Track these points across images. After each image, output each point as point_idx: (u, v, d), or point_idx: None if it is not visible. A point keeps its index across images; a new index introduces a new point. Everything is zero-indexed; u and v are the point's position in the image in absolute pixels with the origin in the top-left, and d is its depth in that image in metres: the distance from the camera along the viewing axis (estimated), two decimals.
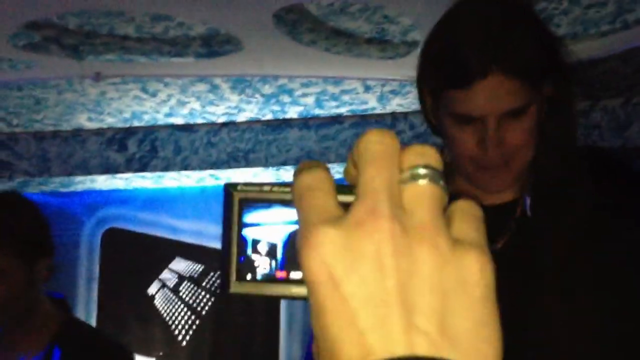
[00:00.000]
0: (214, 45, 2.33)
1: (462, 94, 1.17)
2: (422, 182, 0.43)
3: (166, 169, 3.08)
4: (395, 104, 2.87)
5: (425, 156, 0.44)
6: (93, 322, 3.40)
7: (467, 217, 0.45)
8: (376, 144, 0.44)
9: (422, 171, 0.44)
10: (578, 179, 1.24)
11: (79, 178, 3.18)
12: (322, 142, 3.00)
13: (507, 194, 1.27)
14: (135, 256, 3.43)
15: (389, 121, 2.97)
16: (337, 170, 3.09)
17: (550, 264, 1.21)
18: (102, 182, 3.23)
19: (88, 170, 3.13)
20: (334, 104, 2.85)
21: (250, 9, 2.03)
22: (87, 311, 3.42)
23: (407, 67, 2.48)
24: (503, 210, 1.26)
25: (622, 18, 2.19)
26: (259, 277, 0.51)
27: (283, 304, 3.29)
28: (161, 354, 3.35)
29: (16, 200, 1.90)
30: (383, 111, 2.93)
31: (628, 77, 2.61)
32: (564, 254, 1.21)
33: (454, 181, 1.29)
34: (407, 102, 2.84)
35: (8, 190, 1.91)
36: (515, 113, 1.17)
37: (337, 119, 2.99)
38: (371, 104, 2.86)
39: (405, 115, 2.95)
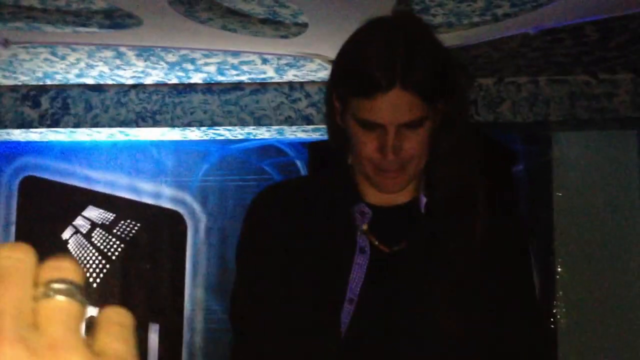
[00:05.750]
0: (116, 18, 2.27)
1: (367, 103, 1.21)
2: (57, 297, 0.39)
3: (77, 125, 3.01)
4: (292, 75, 2.86)
5: (61, 270, 0.40)
6: None
7: (112, 328, 0.41)
8: (5, 260, 0.38)
9: (57, 286, 0.39)
10: (470, 191, 1.30)
11: None
12: (224, 106, 2.98)
13: (402, 195, 1.31)
14: (50, 203, 3.38)
15: (286, 90, 2.96)
16: (239, 132, 3.08)
17: (442, 270, 1.26)
18: (18, 135, 3.14)
19: (3, 124, 3.04)
20: (234, 72, 2.82)
21: None
22: None
23: (300, 45, 2.48)
24: (403, 211, 1.31)
25: (491, 12, 2.22)
26: None
27: (188, 251, 3.31)
28: None
29: None
30: (280, 80, 2.92)
31: (498, 61, 2.66)
32: (455, 260, 1.27)
33: (355, 179, 1.32)
34: (302, 73, 2.83)
35: None
36: (412, 125, 1.22)
37: (238, 86, 2.97)
38: (269, 74, 2.84)
39: (301, 84, 2.95)
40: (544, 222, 3.03)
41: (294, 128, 2.97)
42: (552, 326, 2.95)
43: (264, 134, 3.06)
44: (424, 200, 1.30)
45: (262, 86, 2.96)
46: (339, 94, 1.27)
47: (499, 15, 2.24)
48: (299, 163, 3.18)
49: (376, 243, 1.28)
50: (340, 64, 1.28)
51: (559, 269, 3.02)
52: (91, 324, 0.41)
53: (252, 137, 3.12)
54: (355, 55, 1.24)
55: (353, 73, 1.23)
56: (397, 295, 1.26)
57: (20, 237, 3.37)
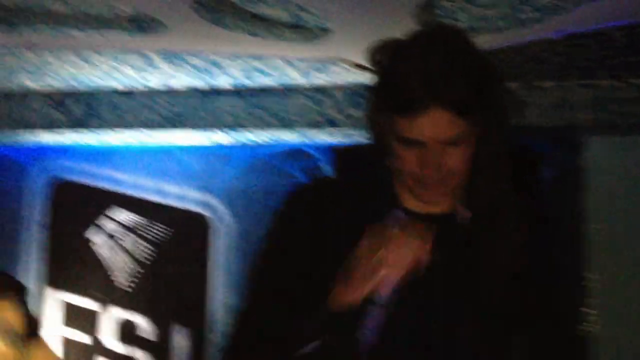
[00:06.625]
0: (142, 23, 2.32)
1: (407, 121, 1.23)
2: None
3: (105, 128, 3.08)
4: (318, 78, 2.89)
5: None
6: (40, 266, 3.42)
7: None
8: None
9: None
10: (507, 204, 1.31)
11: (24, 133, 3.17)
12: (251, 109, 3.02)
13: (440, 204, 1.33)
14: (79, 205, 3.44)
15: (313, 93, 2.99)
16: (265, 136, 3.12)
17: (476, 282, 1.28)
18: (47, 137, 3.21)
19: (33, 127, 3.12)
20: (260, 76, 2.85)
21: None
22: (35, 255, 3.44)
23: (324, 50, 2.50)
24: (440, 220, 1.32)
25: (514, 17, 2.22)
26: None
27: (214, 254, 3.34)
28: (102, 296, 3.39)
29: None
30: (306, 84, 2.95)
31: (523, 65, 2.66)
32: (489, 273, 1.29)
33: (393, 184, 1.34)
34: (328, 77, 2.86)
35: None
36: (453, 142, 1.25)
37: (264, 89, 3.00)
38: (295, 77, 2.87)
39: (327, 88, 2.97)
40: (575, 229, 3.01)
41: (320, 132, 3.00)
42: (585, 335, 2.93)
43: (290, 137, 3.09)
44: (462, 211, 1.31)
45: (288, 90, 2.99)
46: (380, 109, 1.29)
47: (522, 19, 2.24)
48: (325, 166, 3.20)
49: None
50: (380, 81, 1.30)
51: (592, 276, 3.00)
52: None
53: (279, 141, 3.15)
54: (394, 73, 1.25)
55: (393, 92, 1.24)
56: (428, 304, 1.28)
57: (50, 238, 3.43)
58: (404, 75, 1.22)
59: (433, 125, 1.21)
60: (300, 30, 2.36)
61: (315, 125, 2.96)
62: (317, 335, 1.27)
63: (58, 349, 3.37)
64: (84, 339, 3.40)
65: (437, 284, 1.28)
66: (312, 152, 3.22)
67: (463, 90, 1.21)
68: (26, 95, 3.12)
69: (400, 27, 2.16)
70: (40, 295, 3.38)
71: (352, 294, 1.22)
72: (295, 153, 3.24)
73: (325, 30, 2.35)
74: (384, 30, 2.13)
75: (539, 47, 2.45)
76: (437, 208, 1.32)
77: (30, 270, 3.39)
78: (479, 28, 2.30)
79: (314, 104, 2.98)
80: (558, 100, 2.86)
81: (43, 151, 3.41)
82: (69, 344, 3.40)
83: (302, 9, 2.18)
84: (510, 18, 2.22)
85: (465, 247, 1.30)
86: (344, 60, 2.60)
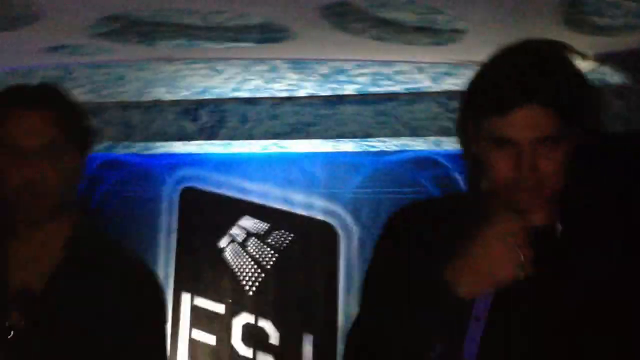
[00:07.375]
0: (271, 32, 2.30)
1: (502, 119, 1.22)
2: None
3: (233, 137, 3.10)
4: (449, 83, 2.78)
5: None
6: (171, 270, 3.51)
7: None
8: None
9: None
10: (613, 221, 1.28)
11: (158, 143, 3.25)
12: (378, 117, 2.95)
13: (539, 217, 1.28)
14: (208, 212, 3.50)
15: (444, 99, 2.89)
16: (392, 144, 3.04)
17: (574, 300, 1.24)
18: (178, 147, 3.28)
19: (166, 137, 3.19)
20: (388, 82, 2.78)
21: (299, 3, 1.99)
22: (167, 259, 3.53)
23: (457, 52, 2.40)
24: (538, 235, 1.27)
25: None
26: None
27: (341, 263, 3.30)
28: (230, 301, 3.43)
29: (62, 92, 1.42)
30: (437, 89, 2.85)
31: None
32: (590, 292, 1.24)
33: (489, 207, 1.30)
34: (460, 81, 2.74)
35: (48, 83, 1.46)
36: (547, 141, 1.22)
37: (392, 96, 2.93)
38: (425, 83, 2.78)
39: (460, 93, 2.85)
40: None
41: (451, 139, 2.89)
42: None
43: (419, 145, 3.00)
44: (559, 227, 1.27)
45: (417, 96, 2.90)
46: (473, 116, 1.28)
47: None
48: (457, 176, 3.08)
49: None
50: (473, 86, 1.30)
51: None
52: None
53: (407, 149, 3.07)
54: (489, 73, 1.26)
55: (489, 89, 1.24)
56: (527, 318, 1.25)
57: (181, 244, 3.51)
58: (501, 73, 1.23)
59: (528, 121, 1.20)
60: (431, 32, 2.27)
61: (447, 132, 2.85)
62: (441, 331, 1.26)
63: (186, 351, 3.45)
64: (212, 341, 3.46)
65: (534, 297, 1.24)
66: (442, 160, 3.11)
67: (561, 89, 1.20)
68: (160, 106, 3.20)
69: (540, 27, 2.03)
70: (171, 299, 3.46)
71: (483, 281, 1.21)
72: (424, 161, 3.15)
73: (457, 32, 2.24)
74: (521, 30, 2.01)
75: None
76: (534, 221, 1.26)
77: (163, 274, 3.48)
78: (636, 25, 2.12)
79: (445, 110, 2.87)
80: None
81: (176, 161, 3.49)
82: (197, 346, 3.47)
83: (434, 9, 2.09)
84: None
85: (563, 260, 1.25)
86: (478, 63, 2.47)
